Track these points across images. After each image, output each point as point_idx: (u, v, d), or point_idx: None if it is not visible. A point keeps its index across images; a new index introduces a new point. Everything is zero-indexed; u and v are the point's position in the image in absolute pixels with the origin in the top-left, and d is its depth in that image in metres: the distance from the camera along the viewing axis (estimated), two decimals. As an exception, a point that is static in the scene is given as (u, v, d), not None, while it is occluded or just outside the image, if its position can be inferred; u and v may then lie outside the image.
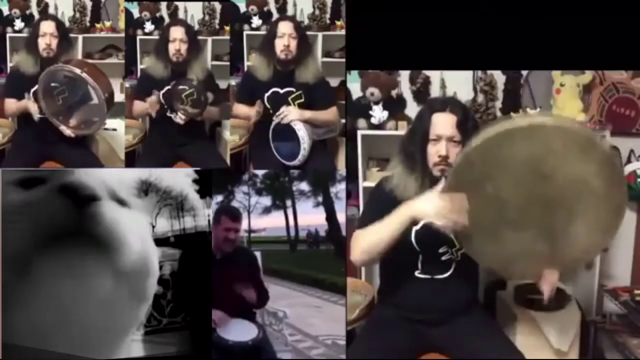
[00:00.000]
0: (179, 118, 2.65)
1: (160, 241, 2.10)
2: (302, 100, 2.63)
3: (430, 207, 1.65)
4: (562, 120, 1.54)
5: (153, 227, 2.04)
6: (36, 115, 2.57)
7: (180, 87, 2.63)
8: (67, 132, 2.56)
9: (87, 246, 0.96)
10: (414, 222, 1.73)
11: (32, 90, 2.60)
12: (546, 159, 1.55)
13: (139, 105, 2.78)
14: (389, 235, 1.73)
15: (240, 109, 2.73)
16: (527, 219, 1.66)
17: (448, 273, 1.93)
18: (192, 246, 1.97)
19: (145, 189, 1.97)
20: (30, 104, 2.57)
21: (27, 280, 0.95)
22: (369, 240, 1.79)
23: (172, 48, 2.68)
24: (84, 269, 0.96)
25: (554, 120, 1.53)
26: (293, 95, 2.63)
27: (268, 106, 2.64)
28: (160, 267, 1.97)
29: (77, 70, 2.43)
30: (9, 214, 1.00)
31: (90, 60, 3.17)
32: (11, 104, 2.67)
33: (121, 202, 1.07)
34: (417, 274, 1.94)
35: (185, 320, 1.78)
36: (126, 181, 1.15)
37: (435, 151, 1.82)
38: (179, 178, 1.93)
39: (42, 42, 2.62)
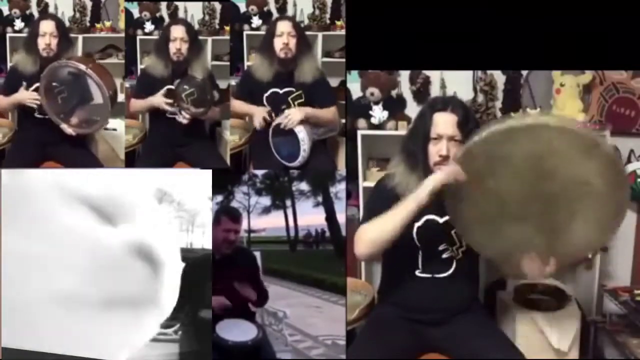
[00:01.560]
0: (183, 117, 2.65)
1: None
2: (302, 100, 2.63)
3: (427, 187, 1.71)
4: (566, 121, 1.57)
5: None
6: (31, 102, 2.57)
7: (184, 86, 2.62)
8: (69, 130, 2.55)
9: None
10: (419, 211, 1.74)
11: (32, 88, 2.61)
12: (548, 158, 1.58)
13: (136, 103, 2.78)
14: (395, 225, 1.73)
15: (238, 105, 2.72)
16: (527, 213, 1.68)
17: (449, 272, 1.93)
18: (195, 263, 1.97)
19: (160, 197, 1.98)
20: (24, 93, 2.56)
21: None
22: (373, 234, 1.79)
23: (172, 47, 2.67)
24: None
25: (558, 120, 1.56)
26: (293, 95, 2.63)
27: (268, 107, 2.63)
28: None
29: (82, 67, 2.42)
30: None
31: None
32: (2, 100, 2.67)
33: None
34: (417, 273, 1.94)
35: (175, 333, 1.79)
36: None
37: (436, 150, 1.82)
38: (196, 192, 1.95)
39: (41, 42, 2.62)
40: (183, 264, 1.86)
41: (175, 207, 2.03)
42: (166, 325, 1.79)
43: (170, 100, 2.64)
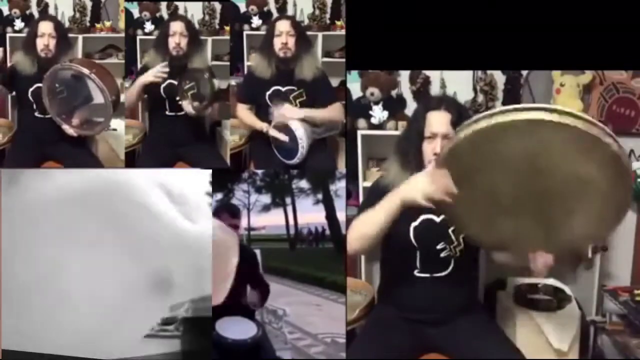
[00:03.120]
0: (186, 106, 2.64)
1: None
2: (304, 98, 2.64)
3: (416, 188, 1.62)
4: (564, 117, 1.37)
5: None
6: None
7: (184, 81, 2.62)
8: (70, 131, 2.55)
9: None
10: (404, 206, 1.68)
11: (31, 89, 2.61)
12: (543, 156, 1.45)
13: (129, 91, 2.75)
14: (381, 220, 1.71)
15: (246, 115, 2.73)
16: (522, 208, 1.59)
17: (447, 271, 1.93)
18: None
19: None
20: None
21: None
22: (362, 229, 1.80)
23: (172, 42, 2.66)
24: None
25: (556, 116, 1.37)
26: (295, 94, 2.63)
27: (270, 104, 2.63)
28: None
29: (86, 71, 2.42)
30: None
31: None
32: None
33: None
34: (416, 273, 1.94)
35: (177, 329, 1.80)
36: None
37: (430, 148, 1.82)
38: (194, 188, 1.96)
39: (40, 43, 2.61)
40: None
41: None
42: (166, 322, 1.80)
43: (164, 69, 2.62)
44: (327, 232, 6.55)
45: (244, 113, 2.73)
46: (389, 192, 1.83)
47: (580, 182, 1.49)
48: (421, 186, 1.61)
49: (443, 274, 1.94)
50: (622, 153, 1.44)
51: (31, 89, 2.61)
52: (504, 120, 1.40)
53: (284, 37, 2.58)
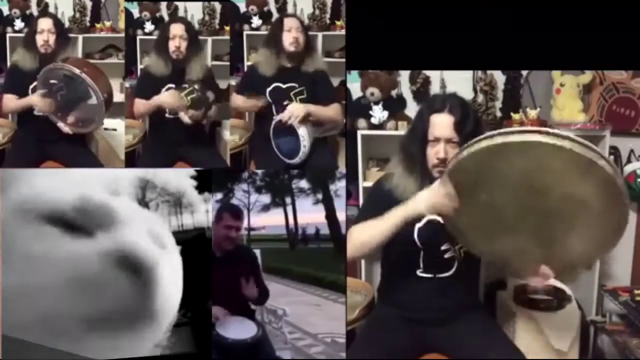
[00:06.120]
0: (183, 116, 2.65)
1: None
2: (304, 96, 2.64)
3: (420, 201, 1.68)
4: (561, 140, 1.43)
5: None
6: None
7: (182, 85, 2.62)
8: (65, 129, 2.56)
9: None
10: (408, 219, 1.73)
11: (31, 86, 2.60)
12: (541, 175, 1.51)
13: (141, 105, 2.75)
14: (383, 234, 1.75)
15: (238, 100, 2.73)
16: (522, 225, 1.64)
17: (450, 272, 1.93)
18: (191, 242, 1.98)
19: (143, 186, 1.97)
20: (34, 98, 2.56)
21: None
22: (363, 237, 1.81)
23: (171, 45, 2.66)
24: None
25: (553, 139, 1.44)
26: (295, 91, 2.64)
27: (270, 100, 2.64)
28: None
29: (77, 71, 2.43)
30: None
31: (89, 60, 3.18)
32: (11, 101, 2.67)
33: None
34: (419, 272, 1.94)
35: (185, 316, 1.79)
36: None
37: (434, 153, 1.80)
38: (177, 174, 1.93)
39: (39, 39, 2.62)
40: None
41: (159, 193, 2.02)
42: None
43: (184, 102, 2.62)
44: (322, 232, 6.56)
45: (240, 100, 2.72)
46: (393, 196, 1.84)
47: (577, 202, 1.54)
48: (425, 198, 1.67)
49: (446, 274, 1.93)
50: (617, 175, 1.49)
51: (31, 86, 2.61)
52: (505, 141, 1.47)
53: (294, 32, 2.60)
